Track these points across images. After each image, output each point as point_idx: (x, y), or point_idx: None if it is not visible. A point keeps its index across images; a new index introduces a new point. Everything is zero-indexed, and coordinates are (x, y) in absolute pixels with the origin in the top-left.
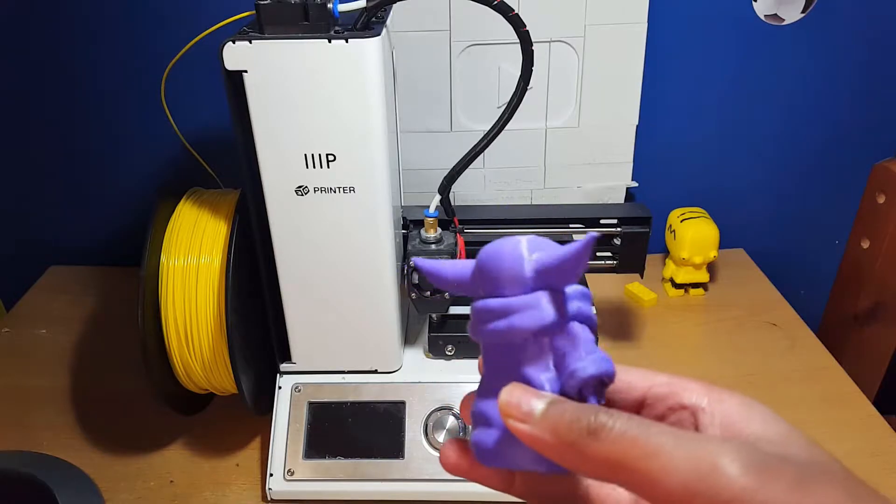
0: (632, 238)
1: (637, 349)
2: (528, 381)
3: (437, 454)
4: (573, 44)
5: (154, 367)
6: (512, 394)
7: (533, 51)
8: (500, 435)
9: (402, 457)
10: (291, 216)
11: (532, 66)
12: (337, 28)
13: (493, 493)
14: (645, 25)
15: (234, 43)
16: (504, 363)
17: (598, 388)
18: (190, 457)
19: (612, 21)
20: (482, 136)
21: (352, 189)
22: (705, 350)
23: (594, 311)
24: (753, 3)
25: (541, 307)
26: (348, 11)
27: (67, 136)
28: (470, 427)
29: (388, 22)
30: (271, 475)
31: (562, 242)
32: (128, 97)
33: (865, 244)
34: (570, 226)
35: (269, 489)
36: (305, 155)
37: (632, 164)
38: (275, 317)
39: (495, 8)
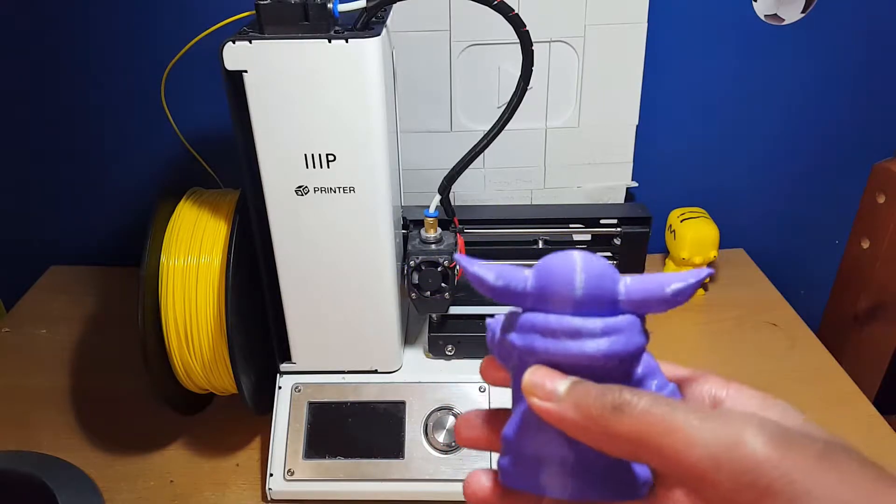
0: (632, 238)
1: None
2: None
3: (437, 454)
4: (573, 44)
5: (154, 367)
6: (535, 373)
7: (533, 51)
8: (528, 457)
9: (402, 457)
10: (291, 216)
11: (532, 66)
12: (337, 28)
13: None
14: (645, 25)
15: (234, 43)
16: None
17: None
18: (190, 457)
19: (612, 21)
20: (482, 136)
21: (352, 189)
22: (705, 350)
23: None
24: (753, 3)
25: (638, 331)
26: (348, 11)
27: (67, 136)
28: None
29: (388, 22)
30: (271, 475)
31: (561, 243)
32: (128, 97)
33: (865, 244)
34: (570, 226)
35: (269, 489)
36: (305, 155)
37: (632, 164)
38: (275, 317)
39: (495, 8)
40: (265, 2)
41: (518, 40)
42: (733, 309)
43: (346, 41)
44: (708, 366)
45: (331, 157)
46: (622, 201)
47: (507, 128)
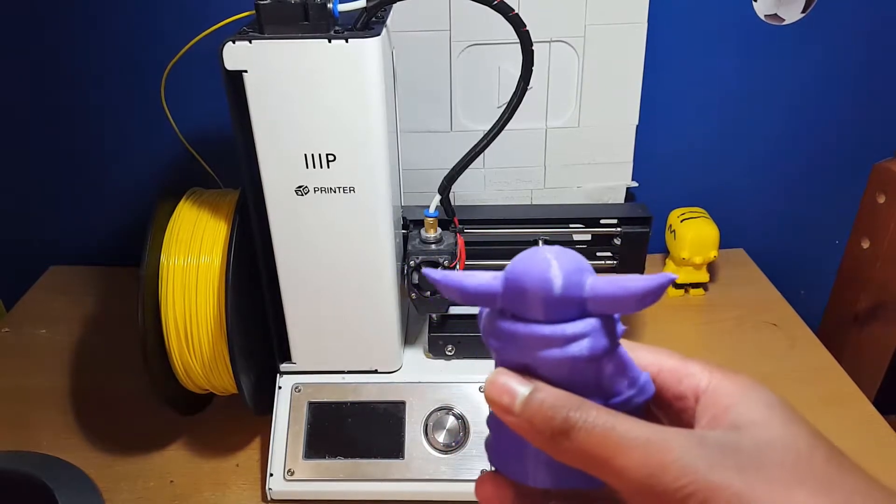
0: (632, 238)
1: None
2: None
3: (437, 454)
4: (573, 44)
5: (154, 367)
6: (494, 384)
7: (533, 51)
8: (508, 448)
9: (402, 457)
10: (291, 216)
11: (532, 66)
12: (337, 28)
13: None
14: (645, 25)
15: (234, 43)
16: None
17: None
18: (190, 457)
19: (612, 21)
20: (482, 136)
21: (352, 189)
22: (705, 350)
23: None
24: (753, 3)
25: (604, 333)
26: (348, 11)
27: (67, 136)
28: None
29: (388, 22)
30: (271, 475)
31: (562, 243)
32: (128, 97)
33: (865, 244)
34: (571, 226)
35: (269, 489)
36: (305, 155)
37: (632, 164)
38: (275, 317)
39: (495, 8)
40: (265, 2)
41: (518, 40)
42: (733, 309)
43: (346, 41)
44: None
45: (331, 157)
46: (622, 201)
47: (507, 128)
